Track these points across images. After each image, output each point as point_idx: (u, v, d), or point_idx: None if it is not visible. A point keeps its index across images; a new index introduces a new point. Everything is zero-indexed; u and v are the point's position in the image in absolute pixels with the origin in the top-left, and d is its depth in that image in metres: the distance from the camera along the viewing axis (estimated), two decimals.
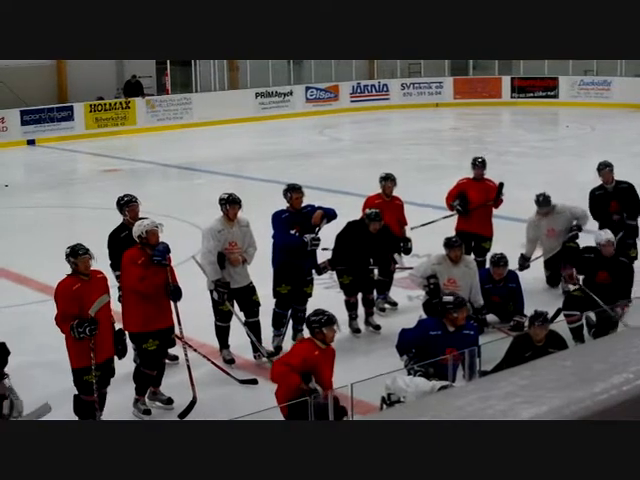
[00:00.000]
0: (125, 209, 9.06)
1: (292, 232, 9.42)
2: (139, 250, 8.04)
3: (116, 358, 7.80)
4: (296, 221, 9.45)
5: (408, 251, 10.54)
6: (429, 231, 11.57)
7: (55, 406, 6.85)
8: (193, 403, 8.05)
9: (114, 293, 8.26)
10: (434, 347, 7.79)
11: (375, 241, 9.73)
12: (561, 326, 8.68)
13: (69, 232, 14.97)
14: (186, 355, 8.33)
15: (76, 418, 7.50)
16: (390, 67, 34.44)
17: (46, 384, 8.29)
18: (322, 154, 23.33)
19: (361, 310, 10.03)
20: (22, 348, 7.88)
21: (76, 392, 7.57)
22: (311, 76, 33.34)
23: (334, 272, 10.15)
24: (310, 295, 9.63)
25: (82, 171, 23.52)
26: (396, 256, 10.38)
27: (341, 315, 8.70)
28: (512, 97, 32.88)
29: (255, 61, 30.00)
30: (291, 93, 31.68)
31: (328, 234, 9.84)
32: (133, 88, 28.49)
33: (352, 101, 32.89)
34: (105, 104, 27.69)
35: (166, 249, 8.04)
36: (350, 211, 10.58)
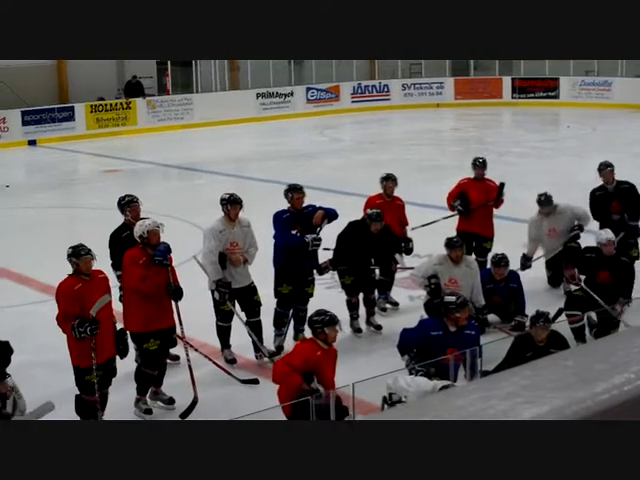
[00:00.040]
0: (126, 209, 9.06)
1: (293, 232, 9.43)
2: (140, 250, 8.04)
3: (118, 358, 7.81)
4: (297, 221, 9.45)
5: (409, 251, 10.55)
6: (430, 231, 11.57)
7: (56, 406, 6.85)
8: (194, 403, 8.06)
9: (115, 293, 8.27)
10: (435, 347, 7.79)
11: (376, 241, 9.73)
12: (562, 326, 8.68)
13: (70, 232, 14.98)
14: (187, 355, 8.33)
15: (78, 418, 7.51)
16: (391, 67, 34.44)
17: (47, 384, 8.29)
18: (323, 154, 23.34)
19: (362, 310, 10.04)
20: (23, 348, 7.89)
21: (77, 392, 7.58)
22: (312, 76, 33.35)
23: (335, 272, 10.16)
24: (311, 295, 9.63)
25: (83, 171, 23.54)
26: (397, 256, 10.39)
27: (342, 315, 8.70)
28: (513, 97, 32.88)
29: (256, 61, 30.03)
30: (292, 94, 31.69)
31: (329, 234, 9.84)
32: (134, 88, 28.50)
33: (353, 101, 32.90)
34: (106, 104, 27.71)
35: (167, 249, 8.04)
36: (351, 211, 10.59)
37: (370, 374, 6.98)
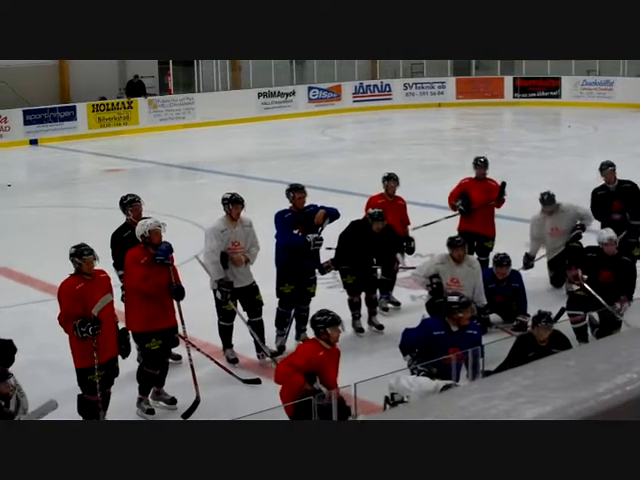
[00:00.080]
0: (128, 209, 9.06)
1: (295, 232, 9.42)
2: (142, 250, 8.04)
3: (120, 357, 7.81)
4: (299, 221, 9.45)
5: (411, 251, 10.56)
6: (432, 231, 11.57)
7: (59, 406, 6.85)
8: (197, 403, 8.05)
9: (117, 293, 8.27)
10: (437, 347, 7.79)
11: (378, 241, 9.73)
12: (565, 326, 8.67)
13: (71, 232, 14.98)
14: (189, 355, 8.33)
15: (80, 418, 7.51)
16: (393, 67, 34.42)
17: (48, 384, 8.29)
18: (325, 154, 23.33)
19: (364, 310, 10.03)
20: (24, 347, 7.88)
21: (80, 392, 7.59)
22: (313, 76, 33.35)
23: (337, 272, 10.15)
24: (313, 295, 9.63)
25: (85, 171, 23.56)
26: (399, 256, 10.39)
27: (344, 315, 8.69)
28: (514, 97, 32.86)
29: (258, 61, 30.01)
30: (294, 93, 31.68)
31: (331, 234, 9.84)
32: (135, 88, 28.50)
33: (354, 101, 32.90)
34: (108, 104, 27.72)
35: (169, 249, 8.04)
36: (353, 211, 10.58)
37: (372, 374, 6.97)
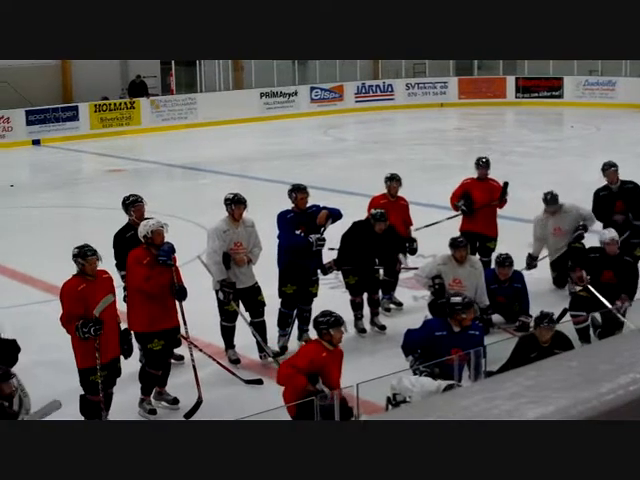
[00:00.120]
0: (131, 209, 9.06)
1: (297, 232, 9.42)
2: (144, 250, 8.04)
3: (122, 358, 7.81)
4: (301, 221, 9.45)
5: (413, 251, 10.55)
6: (434, 231, 11.56)
7: (62, 406, 6.85)
8: (199, 403, 8.06)
9: (119, 293, 8.27)
10: (440, 347, 7.78)
11: (380, 241, 9.73)
12: (567, 327, 8.67)
13: (74, 232, 14.99)
14: (192, 355, 8.34)
15: (82, 418, 7.51)
16: (395, 67, 34.40)
17: (50, 384, 8.29)
18: (327, 154, 23.33)
19: (366, 310, 10.03)
20: (26, 348, 7.88)
21: (82, 392, 7.59)
22: (316, 76, 33.34)
23: (339, 272, 10.15)
24: (315, 295, 9.63)
25: (87, 171, 23.56)
26: (401, 256, 10.38)
27: (347, 315, 8.69)
28: (517, 97, 32.85)
29: (260, 61, 30.01)
30: (296, 93, 31.68)
31: (333, 234, 9.84)
32: (138, 88, 28.51)
33: (357, 101, 32.89)
34: (110, 104, 27.72)
35: (171, 249, 8.04)
36: (355, 211, 10.58)
37: (374, 374, 6.96)
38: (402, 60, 33.05)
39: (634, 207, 10.96)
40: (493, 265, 10.31)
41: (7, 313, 10.55)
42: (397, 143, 25.67)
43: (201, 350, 8.62)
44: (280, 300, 9.57)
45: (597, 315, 9.37)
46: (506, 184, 11.21)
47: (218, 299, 9.09)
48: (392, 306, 10.66)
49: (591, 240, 10.49)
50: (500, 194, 11.14)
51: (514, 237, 11.54)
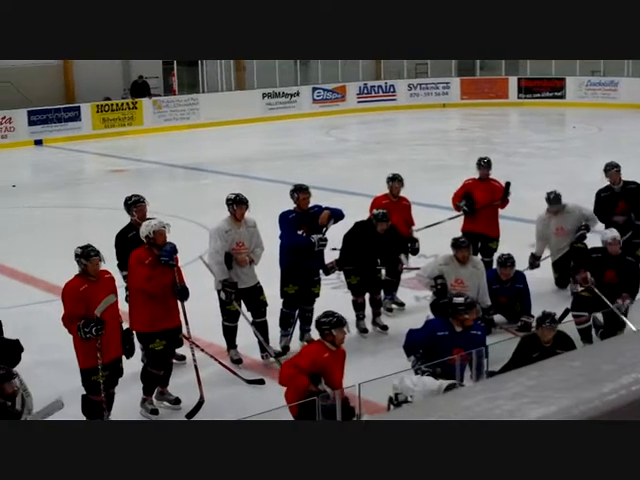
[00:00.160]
0: (133, 209, 9.07)
1: (299, 232, 9.42)
2: (146, 250, 8.04)
3: (124, 358, 7.81)
4: (303, 221, 9.45)
5: (416, 251, 10.54)
6: (436, 232, 11.57)
7: (64, 405, 6.86)
8: (201, 403, 8.06)
9: (121, 293, 8.27)
10: (441, 347, 7.79)
11: (382, 241, 9.73)
12: (569, 327, 8.66)
13: (76, 232, 15.00)
14: (193, 355, 8.34)
15: (84, 418, 7.51)
16: (397, 67, 34.41)
17: (52, 384, 8.29)
18: (329, 154, 23.34)
19: (368, 310, 10.04)
20: (28, 348, 7.88)
21: (84, 392, 7.59)
22: (318, 77, 33.35)
23: (341, 272, 10.16)
24: (317, 295, 9.63)
25: (89, 171, 23.58)
26: (403, 257, 10.38)
27: (348, 315, 8.69)
28: (519, 97, 32.86)
29: (262, 61, 30.03)
30: (298, 94, 31.70)
31: (335, 234, 9.84)
32: (140, 88, 28.53)
33: (359, 102, 32.90)
34: (112, 104, 27.75)
35: (173, 249, 8.04)
36: (357, 211, 10.58)
37: (376, 374, 6.97)
38: (404, 60, 33.10)
39: (636, 207, 10.95)
40: (495, 265, 10.31)
41: (9, 313, 10.55)
42: (399, 143, 25.67)
43: (203, 350, 8.62)
44: (282, 300, 9.57)
45: (599, 315, 9.37)
46: (508, 184, 11.21)
47: (220, 299, 9.09)
48: (394, 306, 10.67)
49: (593, 240, 10.48)
50: (502, 194, 11.14)
51: (516, 237, 11.54)
